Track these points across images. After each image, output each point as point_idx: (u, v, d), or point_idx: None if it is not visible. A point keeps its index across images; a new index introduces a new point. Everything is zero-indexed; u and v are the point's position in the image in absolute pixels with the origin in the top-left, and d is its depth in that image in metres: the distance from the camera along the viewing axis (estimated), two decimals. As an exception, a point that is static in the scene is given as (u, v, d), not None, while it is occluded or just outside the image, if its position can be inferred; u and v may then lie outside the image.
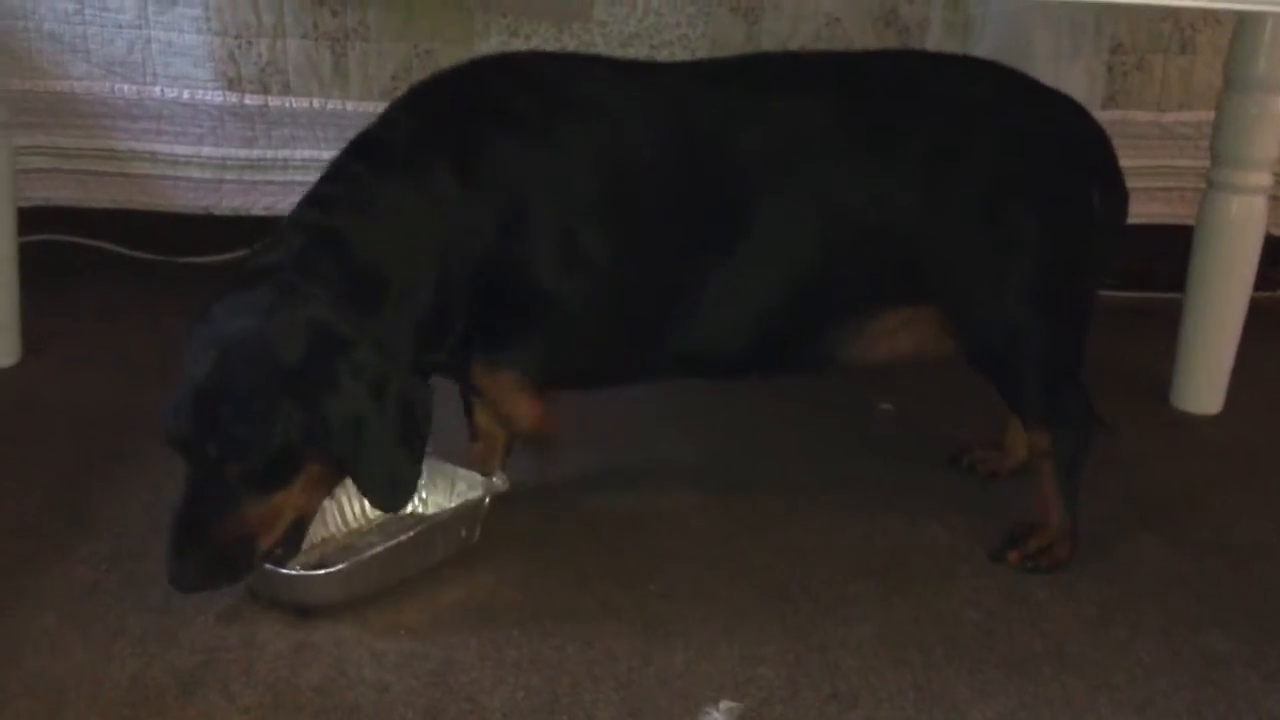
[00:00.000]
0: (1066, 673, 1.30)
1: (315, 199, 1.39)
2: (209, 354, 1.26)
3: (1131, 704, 1.25)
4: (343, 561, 1.35)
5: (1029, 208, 1.44)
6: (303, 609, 1.33)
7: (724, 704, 1.22)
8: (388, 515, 1.45)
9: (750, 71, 1.53)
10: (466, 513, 1.43)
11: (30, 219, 1.99)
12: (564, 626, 1.34)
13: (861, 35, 2.21)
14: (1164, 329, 1.95)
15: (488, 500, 1.45)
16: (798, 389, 1.89)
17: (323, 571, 1.33)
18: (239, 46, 2.16)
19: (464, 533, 1.43)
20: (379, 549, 1.36)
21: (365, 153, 1.41)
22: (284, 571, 1.32)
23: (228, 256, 2.39)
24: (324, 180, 1.41)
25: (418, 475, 1.34)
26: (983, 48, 2.15)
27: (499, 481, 1.47)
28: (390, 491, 1.32)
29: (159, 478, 1.59)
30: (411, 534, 1.38)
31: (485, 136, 1.41)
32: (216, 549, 1.25)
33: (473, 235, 1.38)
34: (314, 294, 1.29)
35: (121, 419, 1.77)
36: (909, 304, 1.48)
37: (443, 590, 1.40)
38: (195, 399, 1.25)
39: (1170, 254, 2.01)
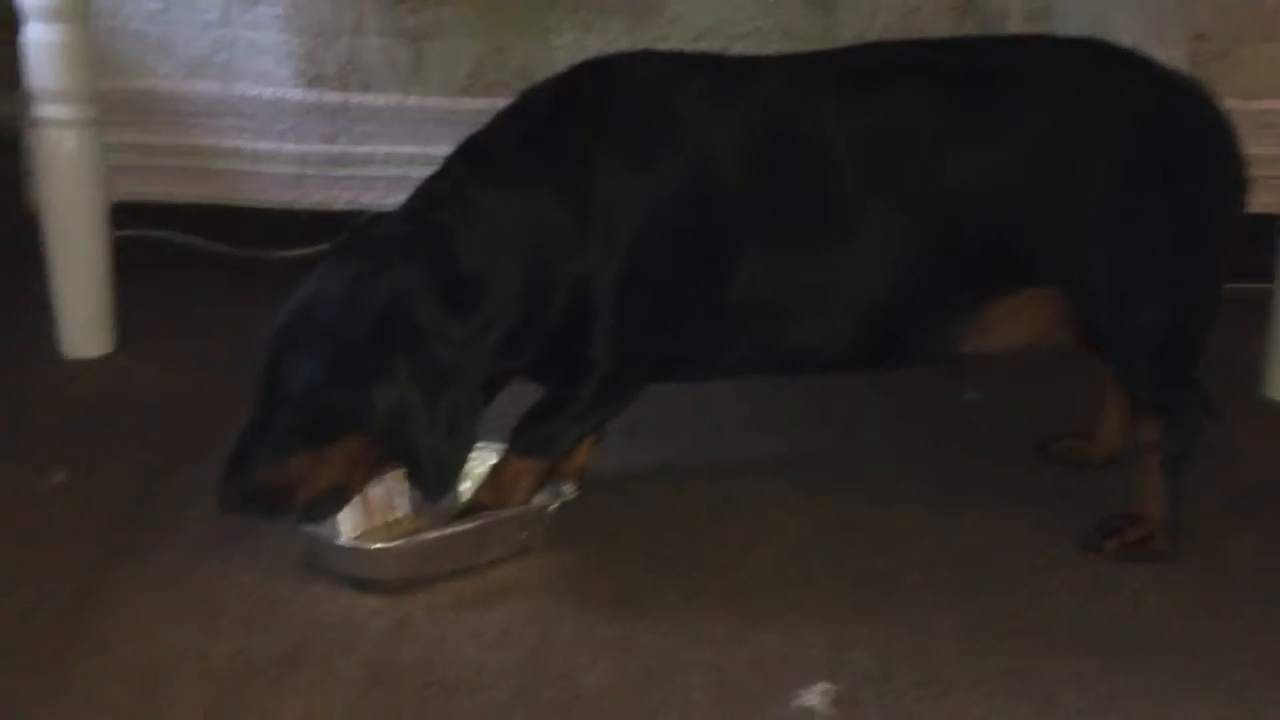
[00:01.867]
0: (1160, 663, 1.29)
1: (424, 193, 1.42)
2: (290, 311, 1.34)
3: (1225, 695, 1.24)
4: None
5: (1156, 191, 1.43)
6: (357, 583, 1.35)
7: (818, 686, 1.22)
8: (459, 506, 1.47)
9: (852, 64, 1.53)
10: (528, 516, 1.44)
11: (119, 214, 2.02)
12: (653, 609, 1.35)
13: (939, 25, 2.20)
14: (1253, 319, 1.92)
15: (552, 507, 1.45)
16: (881, 378, 1.89)
17: (375, 546, 1.35)
18: (320, 44, 2.19)
19: (523, 534, 1.44)
20: (433, 535, 1.37)
21: (472, 156, 1.43)
22: (338, 543, 1.35)
23: (311, 250, 2.42)
24: (434, 178, 1.44)
25: (459, 468, 1.36)
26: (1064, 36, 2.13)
27: (567, 490, 1.47)
28: (432, 479, 1.34)
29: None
30: (468, 526, 1.39)
31: (584, 150, 1.42)
32: (258, 484, 1.32)
33: (566, 249, 1.40)
34: (401, 280, 1.32)
35: (210, 407, 1.80)
36: (1026, 287, 1.47)
37: (534, 574, 1.41)
38: (267, 347, 1.33)
39: (1260, 243, 1.98)
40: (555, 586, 1.39)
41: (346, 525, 1.41)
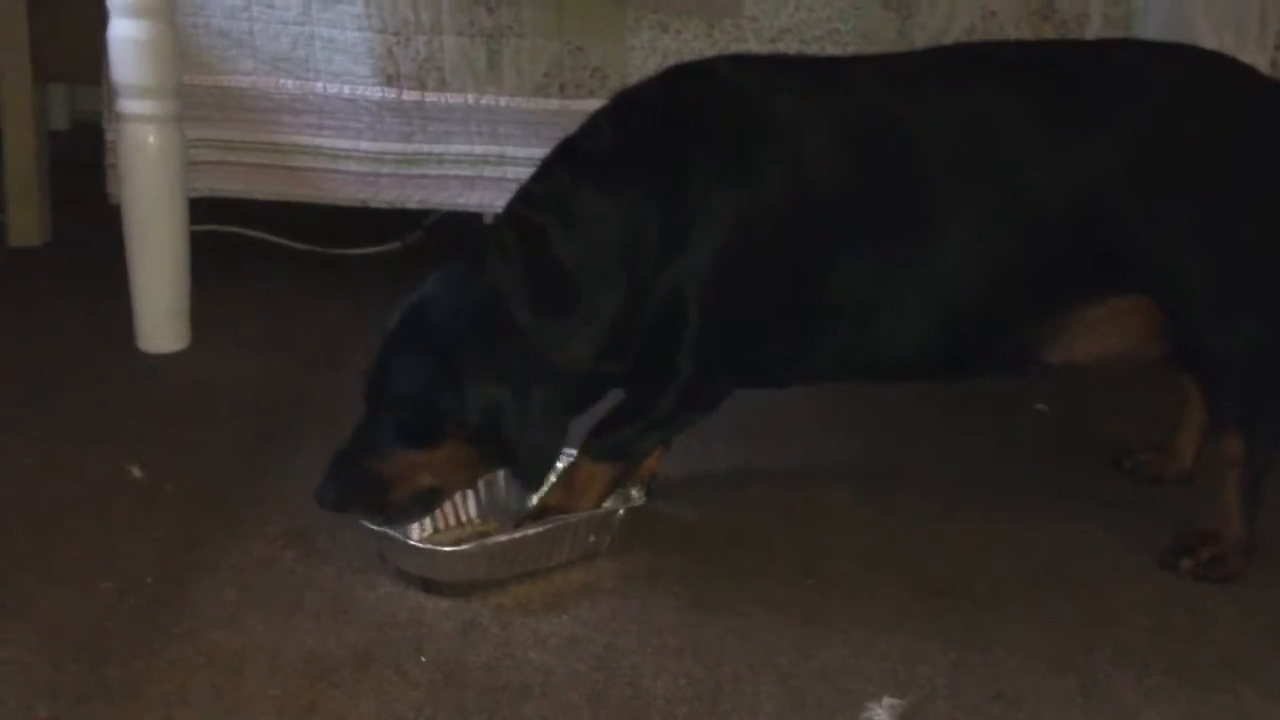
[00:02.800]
0: (1237, 682, 1.27)
1: (524, 196, 1.45)
2: (399, 312, 1.39)
3: (1302, 715, 1.22)
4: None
5: (1256, 199, 1.41)
6: (425, 583, 1.36)
7: (886, 700, 1.21)
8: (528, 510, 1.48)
9: (944, 65, 1.52)
10: (598, 520, 1.44)
11: (196, 209, 2.05)
12: (722, 618, 1.35)
13: (1017, 28, 2.17)
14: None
15: (621, 512, 1.46)
16: (952, 390, 1.87)
17: (446, 549, 1.36)
18: (398, 43, 2.21)
19: (592, 538, 1.44)
20: (503, 538, 1.38)
21: (569, 159, 1.45)
22: (411, 542, 1.37)
23: (382, 248, 2.45)
24: (533, 179, 1.46)
25: (552, 461, 1.39)
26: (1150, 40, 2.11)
27: (636, 495, 1.48)
28: (528, 463, 1.38)
29: (327, 457, 1.63)
30: (538, 530, 1.40)
31: (682, 157, 1.43)
32: (357, 480, 1.35)
33: (659, 253, 1.41)
34: (497, 282, 1.35)
35: (286, 402, 1.83)
36: (1114, 294, 1.45)
37: (602, 578, 1.41)
38: (376, 351, 1.38)
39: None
40: (624, 592, 1.39)
41: (417, 526, 1.43)
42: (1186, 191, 1.41)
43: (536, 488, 1.43)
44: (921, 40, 2.18)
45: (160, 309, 1.98)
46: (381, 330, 1.39)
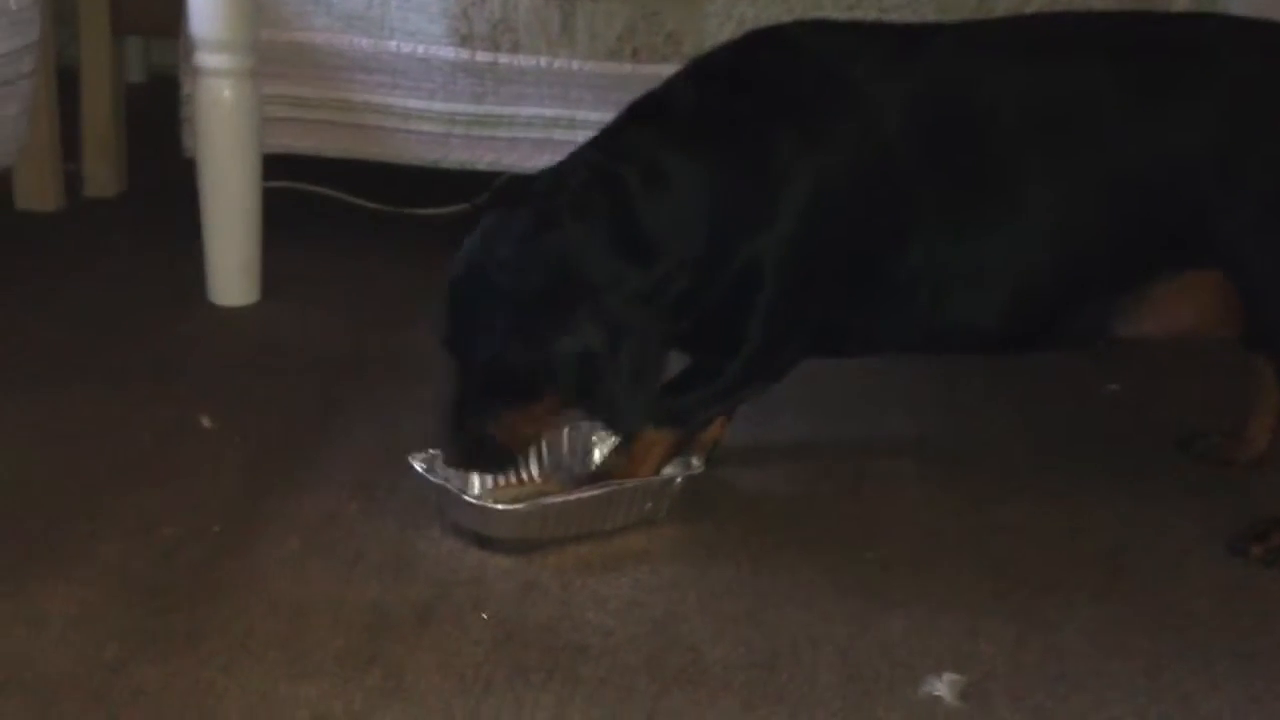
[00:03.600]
0: (1301, 670, 1.25)
1: (601, 145, 1.43)
2: (466, 268, 1.37)
3: (1369, 707, 1.20)
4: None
5: None
6: (480, 538, 1.37)
7: (946, 676, 1.21)
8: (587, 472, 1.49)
9: (1026, 34, 1.50)
10: (655, 487, 1.44)
11: (268, 165, 2.06)
12: (782, 587, 1.34)
13: (1101, 0, 2.13)
14: None
15: (679, 480, 1.45)
16: (1019, 366, 1.85)
17: (501, 506, 1.37)
18: (473, 3, 2.20)
19: (649, 505, 1.44)
20: (559, 499, 1.38)
21: (651, 117, 1.44)
22: (466, 498, 1.37)
23: (451, 209, 2.46)
24: (608, 135, 1.44)
25: (647, 410, 1.38)
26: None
27: (696, 463, 1.47)
28: (620, 414, 1.38)
29: (392, 414, 1.66)
30: (594, 493, 1.40)
31: (761, 122, 1.42)
32: (473, 440, 1.37)
33: (737, 217, 1.40)
34: (576, 233, 1.34)
35: (353, 359, 1.84)
36: (1189, 268, 1.43)
37: (663, 544, 1.41)
38: (450, 311, 1.37)
39: None
40: (684, 558, 1.39)
41: (477, 481, 1.44)
42: (1268, 168, 1.39)
43: (629, 434, 1.42)
44: (1000, 9, 2.15)
45: (232, 263, 2.00)
46: (452, 288, 1.38)
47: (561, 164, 1.43)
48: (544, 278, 1.33)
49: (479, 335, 1.35)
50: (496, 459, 1.39)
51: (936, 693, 1.19)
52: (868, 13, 2.16)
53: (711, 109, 1.43)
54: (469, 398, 1.37)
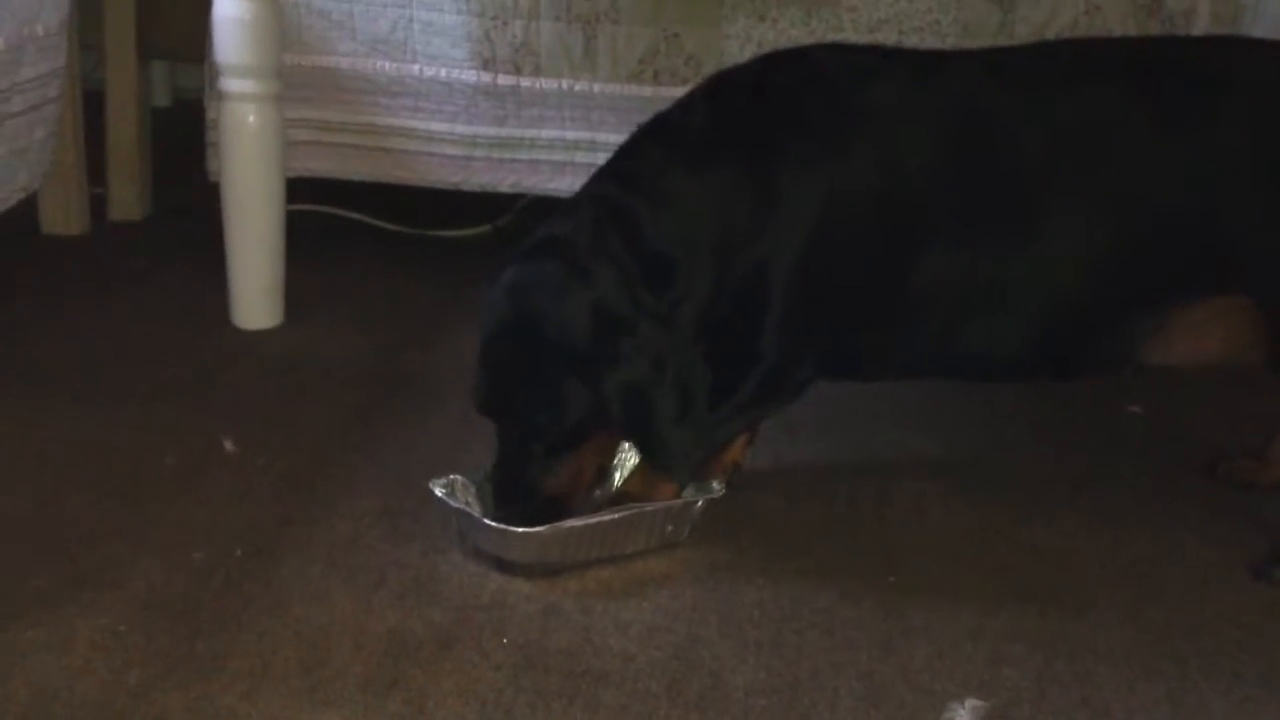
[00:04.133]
0: (1330, 696, 1.24)
1: (612, 174, 1.44)
2: (503, 330, 1.36)
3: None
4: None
5: None
6: (499, 563, 1.37)
7: (969, 702, 1.20)
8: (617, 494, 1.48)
9: (1046, 60, 1.50)
10: (675, 510, 1.44)
11: (292, 189, 2.07)
12: (804, 612, 1.34)
13: (1122, 23, 2.13)
14: None
15: (700, 503, 1.45)
16: (1044, 388, 1.85)
17: (520, 530, 1.36)
18: (495, 27, 2.22)
19: (670, 528, 1.44)
20: (579, 522, 1.38)
21: (664, 137, 1.45)
22: (487, 522, 1.37)
23: (474, 231, 2.47)
24: (621, 157, 1.45)
25: (700, 442, 1.39)
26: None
27: (717, 486, 1.47)
28: (673, 458, 1.37)
29: (414, 436, 1.66)
30: (615, 516, 1.39)
31: (774, 140, 1.42)
32: (529, 502, 1.38)
33: (748, 235, 1.40)
34: (603, 272, 1.34)
35: (377, 381, 1.85)
36: (1215, 294, 1.42)
37: (684, 568, 1.41)
38: (491, 377, 1.37)
39: None
40: (706, 582, 1.39)
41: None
42: None
43: (680, 477, 1.42)
44: (1023, 33, 2.15)
45: (256, 286, 2.01)
46: (488, 352, 1.37)
47: (574, 201, 1.43)
48: (588, 324, 1.32)
49: (528, 392, 1.35)
50: (555, 509, 1.38)
51: (959, 718, 1.18)
52: (889, 36, 2.16)
53: (723, 126, 1.44)
54: (517, 460, 1.37)
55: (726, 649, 1.27)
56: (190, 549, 1.39)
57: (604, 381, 1.32)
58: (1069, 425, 1.82)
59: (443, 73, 2.25)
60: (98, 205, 2.47)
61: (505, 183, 2.33)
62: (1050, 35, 2.14)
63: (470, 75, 2.24)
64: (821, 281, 1.42)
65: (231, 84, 1.95)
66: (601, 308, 1.33)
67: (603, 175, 1.45)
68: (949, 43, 2.15)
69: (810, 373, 1.49)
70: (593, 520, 1.39)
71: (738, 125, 1.44)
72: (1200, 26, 2.12)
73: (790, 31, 2.18)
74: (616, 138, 2.13)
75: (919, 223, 1.42)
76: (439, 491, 1.41)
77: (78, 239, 2.40)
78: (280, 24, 1.98)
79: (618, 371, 1.32)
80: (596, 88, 2.24)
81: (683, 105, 1.47)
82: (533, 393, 1.35)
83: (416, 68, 2.26)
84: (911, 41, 2.16)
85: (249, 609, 1.29)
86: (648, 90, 2.21)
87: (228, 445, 1.62)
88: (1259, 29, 2.08)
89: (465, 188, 2.33)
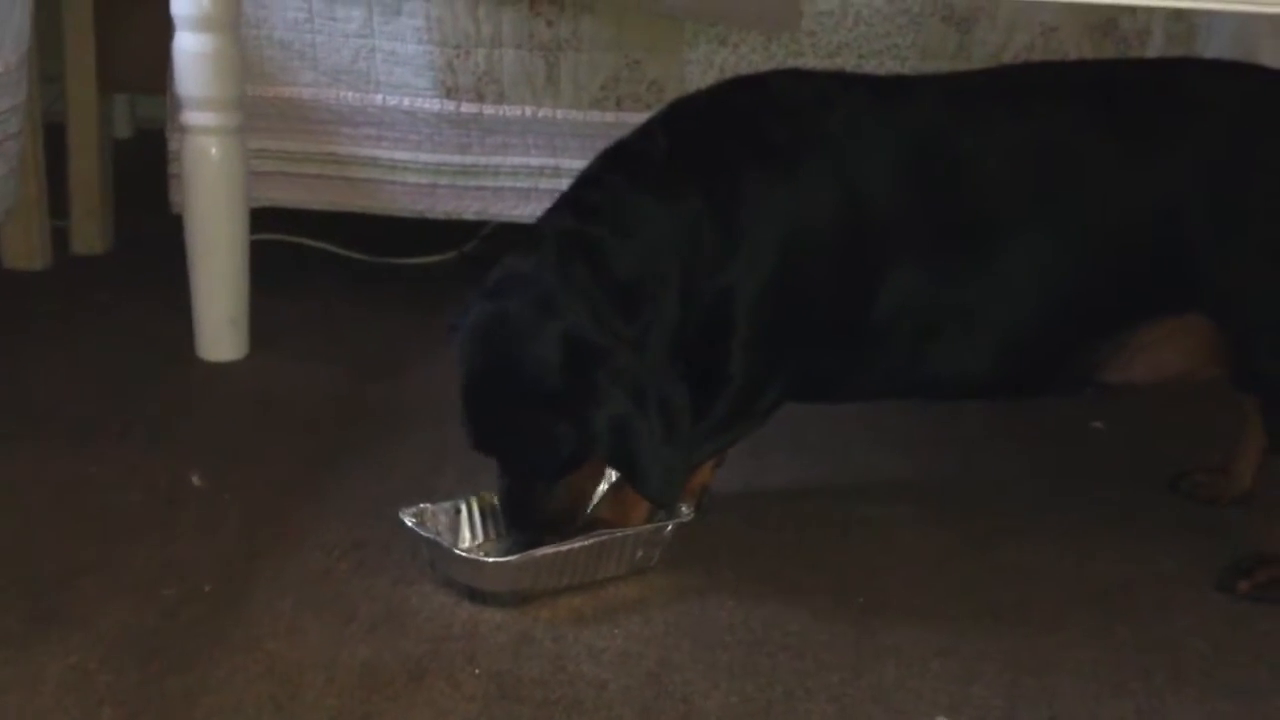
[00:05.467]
0: (1296, 707, 1.25)
1: (571, 204, 1.44)
2: (480, 378, 1.37)
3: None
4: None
5: None
6: (471, 592, 1.38)
7: (940, 720, 1.21)
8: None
9: (1006, 84, 1.52)
10: (646, 535, 1.44)
11: (254, 218, 2.07)
12: (775, 635, 1.34)
13: (1078, 45, 2.16)
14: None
15: (670, 527, 1.45)
16: (1008, 407, 1.86)
17: (491, 559, 1.37)
18: (457, 56, 2.22)
19: (640, 553, 1.44)
20: (550, 550, 1.38)
21: (624, 166, 1.45)
22: (457, 552, 1.38)
23: (439, 258, 2.47)
24: (581, 186, 1.46)
25: (686, 467, 1.41)
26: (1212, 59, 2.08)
27: (686, 510, 1.47)
28: (661, 486, 1.38)
29: (383, 466, 1.66)
30: (586, 543, 1.40)
31: (734, 165, 1.43)
32: (536, 527, 1.40)
33: (710, 261, 1.41)
34: (572, 305, 1.34)
35: (345, 412, 1.84)
36: (1173, 314, 1.44)
37: (655, 593, 1.41)
38: (478, 425, 1.38)
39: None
40: (677, 607, 1.39)
41: (467, 534, 1.45)
42: (1252, 213, 1.40)
43: (668, 504, 1.43)
44: (981, 55, 2.17)
45: (220, 318, 2.00)
46: (469, 396, 1.38)
47: (535, 232, 1.43)
48: (562, 361, 1.33)
49: (512, 433, 1.36)
50: (563, 523, 1.41)
51: (931, 739, 1.19)
52: (848, 60, 2.18)
53: (683, 153, 1.44)
54: (521, 490, 1.39)
55: (699, 674, 1.27)
56: (159, 585, 1.38)
57: (589, 419, 1.33)
58: (1034, 444, 1.84)
59: (406, 102, 2.25)
60: (60, 238, 2.45)
61: (470, 210, 2.33)
62: (1008, 57, 2.16)
63: (433, 104, 2.25)
64: (787, 306, 1.43)
65: (193, 117, 1.94)
66: (574, 342, 1.33)
67: (563, 204, 1.45)
68: (908, 66, 2.17)
69: (779, 395, 1.49)
70: (564, 548, 1.39)
71: (697, 153, 1.45)
72: (1155, 47, 2.15)
73: (751, 57, 2.20)
74: (580, 164, 2.13)
75: (881, 247, 1.44)
76: (409, 521, 1.41)
77: (40, 273, 2.38)
78: (241, 56, 1.98)
79: (601, 408, 1.32)
80: (560, 114, 2.24)
81: (643, 132, 1.48)
82: (520, 437, 1.36)
83: (379, 97, 2.26)
84: (871, 65, 2.18)
85: (220, 645, 1.28)
86: (610, 116, 2.22)
87: (195, 479, 1.61)
88: (1212, 49, 2.12)
89: (430, 215, 2.33)
